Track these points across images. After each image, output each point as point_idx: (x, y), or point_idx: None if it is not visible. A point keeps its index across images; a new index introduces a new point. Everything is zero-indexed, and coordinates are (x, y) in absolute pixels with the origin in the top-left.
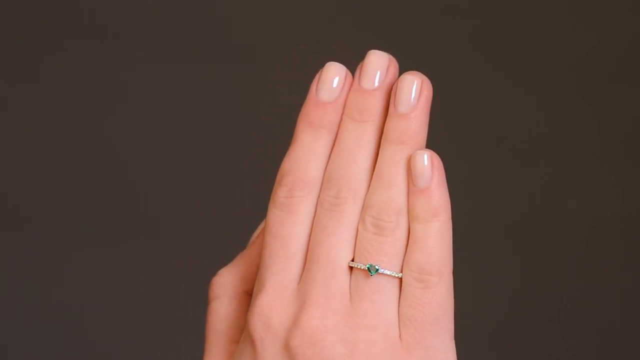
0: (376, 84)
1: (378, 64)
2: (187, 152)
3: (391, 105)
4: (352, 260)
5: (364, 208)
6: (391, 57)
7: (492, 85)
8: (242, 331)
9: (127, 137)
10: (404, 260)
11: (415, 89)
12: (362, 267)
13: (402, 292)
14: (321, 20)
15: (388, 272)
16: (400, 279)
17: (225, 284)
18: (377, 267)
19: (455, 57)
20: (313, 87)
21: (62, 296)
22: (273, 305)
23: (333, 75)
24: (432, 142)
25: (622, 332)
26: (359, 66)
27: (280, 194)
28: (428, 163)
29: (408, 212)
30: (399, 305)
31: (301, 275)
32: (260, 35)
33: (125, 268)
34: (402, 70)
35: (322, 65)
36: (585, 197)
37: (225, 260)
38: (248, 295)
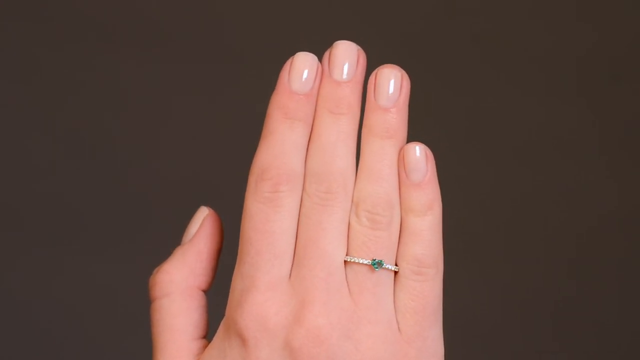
0: (348, 75)
1: (347, 55)
2: (186, 152)
3: (370, 98)
4: (346, 255)
5: (354, 202)
6: (359, 47)
7: (492, 84)
8: (197, 328)
9: (126, 138)
10: (397, 252)
11: (397, 83)
12: (364, 262)
13: (398, 284)
14: (321, 20)
15: (390, 267)
16: (395, 272)
17: (175, 281)
18: (382, 261)
19: (455, 56)
20: (284, 76)
21: (61, 296)
22: (267, 304)
23: (305, 65)
24: (432, 141)
25: (620, 332)
26: (326, 56)
27: (263, 188)
28: (422, 157)
29: (400, 205)
30: (395, 297)
31: (290, 272)
32: (260, 36)
33: (125, 268)
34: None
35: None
36: (584, 197)
37: (225, 259)
38: (199, 290)
